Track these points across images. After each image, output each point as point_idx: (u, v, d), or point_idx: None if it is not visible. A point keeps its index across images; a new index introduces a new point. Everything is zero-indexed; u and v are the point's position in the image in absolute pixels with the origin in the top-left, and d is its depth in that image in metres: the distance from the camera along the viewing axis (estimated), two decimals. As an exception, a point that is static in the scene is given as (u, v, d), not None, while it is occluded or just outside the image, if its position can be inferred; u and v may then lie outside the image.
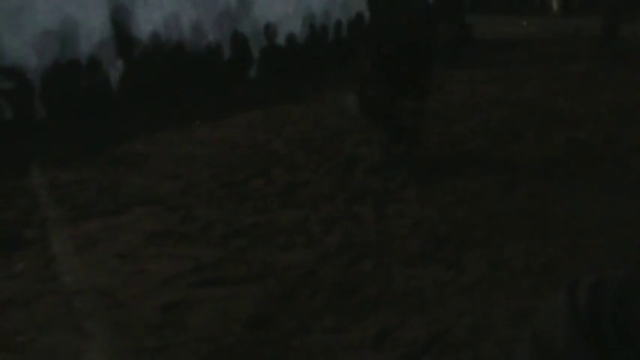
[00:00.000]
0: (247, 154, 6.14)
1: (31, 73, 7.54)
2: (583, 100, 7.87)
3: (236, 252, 4.09)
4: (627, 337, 0.60)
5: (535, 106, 7.65)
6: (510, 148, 6.12)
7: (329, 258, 3.97)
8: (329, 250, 4.08)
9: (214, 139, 6.70)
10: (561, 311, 0.65)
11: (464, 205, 4.74)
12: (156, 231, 4.46)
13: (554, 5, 22.98)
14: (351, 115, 6.03)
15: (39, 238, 4.42)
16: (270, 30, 10.12)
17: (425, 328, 3.16)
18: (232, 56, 9.58)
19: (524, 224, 4.38)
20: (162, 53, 8.80)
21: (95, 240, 4.36)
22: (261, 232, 4.38)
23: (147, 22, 8.64)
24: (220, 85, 8.94)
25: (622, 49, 11.58)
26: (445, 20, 13.70)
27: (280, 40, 10.34)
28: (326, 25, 11.23)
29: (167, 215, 4.73)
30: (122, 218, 4.72)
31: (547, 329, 0.65)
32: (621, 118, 7.02)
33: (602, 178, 5.19)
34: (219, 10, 9.45)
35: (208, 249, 4.15)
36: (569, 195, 4.91)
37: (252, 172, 5.56)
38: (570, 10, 22.55)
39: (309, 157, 5.98)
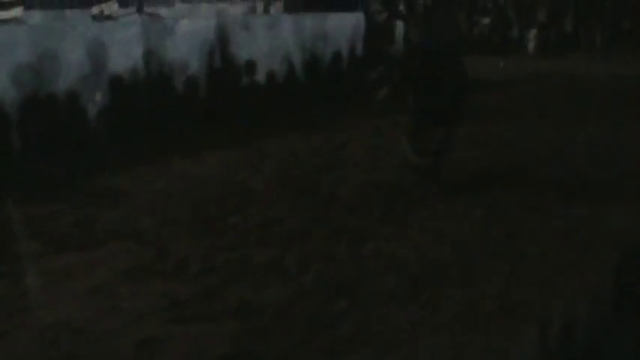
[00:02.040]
0: (224, 191, 6.13)
1: (9, 106, 7.52)
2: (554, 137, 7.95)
3: (211, 289, 4.07)
4: None
5: (510, 145, 7.71)
6: (487, 186, 6.14)
7: (304, 296, 3.96)
8: (304, 287, 4.07)
9: (192, 175, 6.69)
10: (534, 351, 0.66)
11: (440, 244, 4.75)
12: (131, 266, 4.43)
13: (530, 45, 23.28)
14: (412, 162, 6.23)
15: (12, 271, 4.38)
16: (249, 66, 10.16)
17: (399, 367, 3.16)
18: (211, 92, 9.59)
19: (500, 263, 4.39)
20: (141, 88, 8.80)
21: (69, 274, 4.32)
22: (236, 269, 4.37)
23: (126, 56, 8.65)
24: (199, 120, 8.95)
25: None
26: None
27: (260, 76, 10.37)
28: (307, 61, 11.29)
29: (142, 251, 4.70)
30: (97, 253, 4.69)
31: None
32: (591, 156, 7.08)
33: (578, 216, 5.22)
34: (199, 46, 9.48)
35: (183, 285, 4.13)
36: (545, 232, 4.94)
37: (229, 209, 5.56)
38: (547, 50, 22.85)
39: (286, 195, 5.98)
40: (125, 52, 8.67)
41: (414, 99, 6.18)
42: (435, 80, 6.06)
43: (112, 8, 9.57)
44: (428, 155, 6.15)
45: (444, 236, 4.91)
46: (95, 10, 9.46)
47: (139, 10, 10.52)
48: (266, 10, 14.37)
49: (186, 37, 9.40)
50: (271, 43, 10.56)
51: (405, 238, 4.88)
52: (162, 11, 12.44)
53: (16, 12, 8.69)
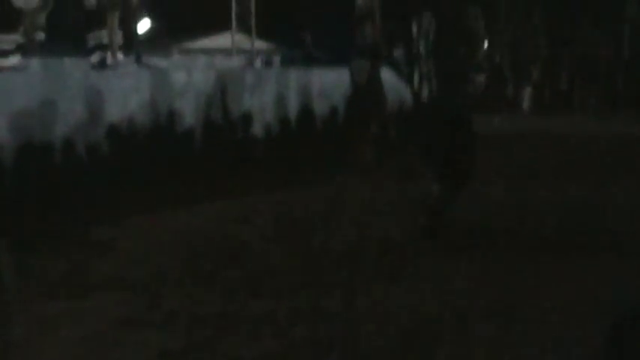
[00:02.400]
0: (216, 243, 6.13)
1: (4, 151, 7.53)
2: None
3: (202, 341, 4.04)
4: None
5: (504, 204, 7.73)
6: (481, 244, 6.14)
7: (295, 350, 3.92)
8: (295, 341, 4.04)
9: (184, 227, 6.70)
10: None
11: (433, 301, 4.72)
12: (121, 317, 4.39)
13: (525, 103, 23.48)
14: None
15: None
16: (244, 120, 10.21)
17: None
18: (207, 144, 9.63)
19: (492, 322, 4.36)
20: (137, 138, 8.83)
21: (58, 324, 4.28)
22: (227, 321, 4.34)
23: (123, 106, 8.70)
24: (194, 172, 8.96)
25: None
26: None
27: (256, 130, 10.42)
28: (302, 116, 11.35)
29: (133, 301, 4.68)
30: (87, 302, 4.66)
31: None
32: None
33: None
34: (195, 99, 9.54)
35: (174, 337, 4.09)
36: (540, 290, 4.93)
37: (221, 261, 5.54)
38: (542, 109, 23.06)
39: (280, 248, 5.98)
40: (122, 101, 8.72)
41: (424, 158, 6.30)
42: (449, 140, 6.04)
43: (113, 58, 9.64)
44: (431, 213, 6.17)
45: (437, 293, 4.89)
46: (94, 58, 9.52)
47: (138, 61, 10.59)
48: (266, 64, 14.51)
49: (183, 89, 9.47)
50: (266, 97, 10.64)
51: (398, 295, 4.86)
52: (160, 62, 12.53)
53: (15, 60, 8.73)
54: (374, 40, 10.58)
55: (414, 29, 6.06)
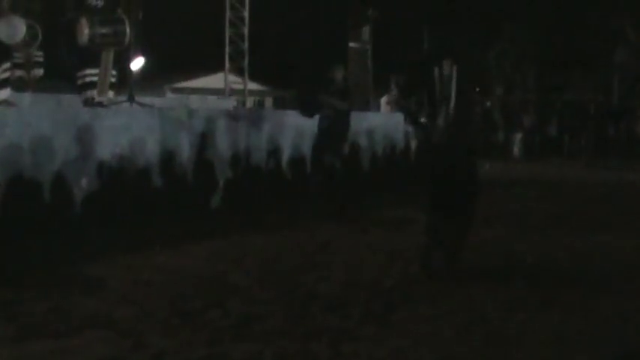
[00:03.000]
0: (205, 284, 6.10)
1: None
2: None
3: (186, 384, 4.00)
4: None
5: (494, 248, 7.73)
6: (469, 290, 6.13)
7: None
8: (281, 387, 4.01)
9: (173, 267, 6.67)
10: None
11: (419, 347, 4.70)
12: (105, 357, 4.37)
13: (515, 150, 23.64)
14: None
15: (-17, 357, 4.31)
16: (235, 160, 10.23)
17: None
18: (198, 183, 9.62)
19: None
20: (127, 176, 8.83)
21: (43, 362, 4.26)
22: (214, 364, 4.31)
23: (113, 144, 8.70)
24: (184, 211, 8.95)
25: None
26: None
27: (247, 170, 10.44)
28: (295, 157, 11.39)
29: (118, 341, 4.64)
30: (72, 341, 4.62)
31: None
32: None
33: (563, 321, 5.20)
34: (185, 137, 9.56)
35: (158, 379, 4.06)
36: (527, 337, 4.91)
37: (209, 303, 5.51)
38: (532, 155, 23.20)
39: (267, 291, 5.95)
40: (114, 139, 8.72)
41: (434, 200, 6.54)
42: (456, 181, 6.45)
43: (105, 96, 9.67)
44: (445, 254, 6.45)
45: (424, 339, 4.87)
46: (84, 97, 9.54)
47: (130, 99, 10.63)
48: (259, 105, 14.58)
49: (175, 127, 9.49)
50: (257, 138, 10.68)
51: (385, 340, 4.84)
52: (153, 101, 12.57)
53: (5, 94, 8.77)
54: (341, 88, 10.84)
55: (436, 77, 6.31)
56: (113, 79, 9.79)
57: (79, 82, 9.55)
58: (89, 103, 9.48)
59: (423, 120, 11.04)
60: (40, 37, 8.83)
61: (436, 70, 6.44)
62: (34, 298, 5.48)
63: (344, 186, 10.39)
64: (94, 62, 9.48)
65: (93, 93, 9.51)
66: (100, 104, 9.58)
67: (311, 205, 9.98)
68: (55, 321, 5.00)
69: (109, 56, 9.57)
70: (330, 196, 10.06)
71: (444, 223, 6.44)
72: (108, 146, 8.66)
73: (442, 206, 6.46)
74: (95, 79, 9.52)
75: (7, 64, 8.90)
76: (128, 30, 9.49)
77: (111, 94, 9.77)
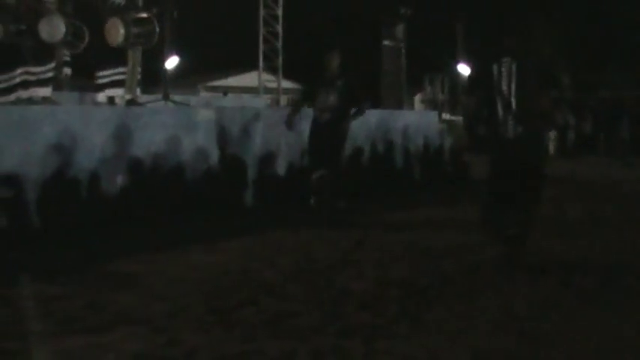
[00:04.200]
0: (238, 282, 6.12)
1: (31, 184, 7.61)
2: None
3: (220, 380, 4.01)
4: None
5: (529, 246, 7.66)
6: (504, 287, 6.09)
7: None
8: (315, 384, 4.01)
9: (206, 264, 6.70)
10: None
11: (452, 345, 4.68)
12: (139, 352, 4.39)
13: (550, 147, 23.41)
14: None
15: (19, 351, 4.35)
16: (268, 158, 10.22)
17: None
18: (230, 182, 9.64)
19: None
20: (162, 174, 8.88)
21: (76, 357, 4.30)
22: (247, 361, 4.32)
23: (149, 142, 8.76)
24: (217, 209, 8.99)
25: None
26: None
27: (280, 168, 10.44)
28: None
29: (152, 337, 4.66)
30: (106, 337, 4.66)
31: None
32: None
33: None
34: (220, 136, 9.59)
35: (192, 375, 4.08)
36: (562, 336, 4.87)
37: (242, 300, 5.52)
38: (566, 153, 22.98)
39: (300, 288, 5.95)
40: (149, 137, 8.78)
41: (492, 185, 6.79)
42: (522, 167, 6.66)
43: (136, 94, 9.75)
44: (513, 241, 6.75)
45: (457, 337, 4.84)
46: (111, 92, 9.61)
47: (165, 98, 10.71)
48: (291, 104, 14.56)
49: (208, 126, 9.53)
50: (291, 135, 10.65)
51: (419, 338, 4.82)
52: (188, 99, 12.66)
53: (47, 91, 8.88)
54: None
55: (495, 73, 6.63)
56: (139, 77, 9.88)
57: (101, 81, 9.61)
58: (113, 101, 9.56)
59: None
60: (87, 37, 8.90)
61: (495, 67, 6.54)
62: (71, 294, 5.53)
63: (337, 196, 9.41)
64: (116, 61, 9.55)
65: (116, 91, 9.57)
66: (134, 102, 9.66)
67: (349, 203, 9.96)
68: (90, 316, 5.05)
69: (136, 55, 9.65)
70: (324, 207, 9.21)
71: (508, 216, 6.71)
72: (143, 144, 8.72)
73: (507, 198, 6.68)
74: (118, 77, 9.58)
75: (52, 63, 9.01)
76: (157, 30, 9.58)
77: (138, 91, 9.84)
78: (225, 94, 26.49)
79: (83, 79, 11.09)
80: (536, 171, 6.79)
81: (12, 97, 8.61)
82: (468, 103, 11.12)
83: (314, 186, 9.22)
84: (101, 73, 9.55)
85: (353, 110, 9.37)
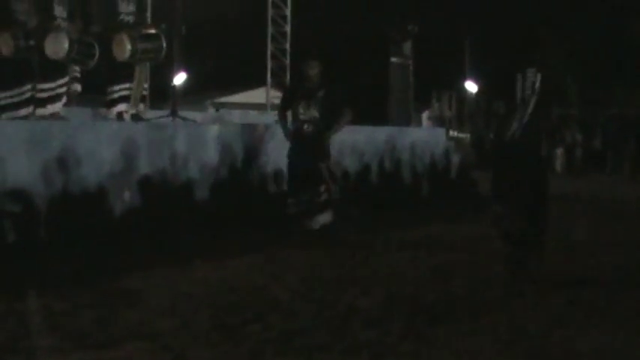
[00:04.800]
0: (246, 298, 6.11)
1: (39, 198, 7.62)
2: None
3: (226, 397, 4.00)
4: None
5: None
6: (512, 304, 6.07)
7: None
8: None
9: (213, 280, 6.69)
10: None
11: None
12: (147, 369, 4.40)
13: (557, 164, 23.40)
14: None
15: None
16: (276, 175, 10.20)
17: None
18: (238, 198, 9.63)
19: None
20: (169, 191, 8.89)
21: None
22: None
23: (157, 158, 8.78)
24: (224, 226, 8.97)
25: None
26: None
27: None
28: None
29: (159, 353, 4.67)
30: (113, 352, 4.66)
31: None
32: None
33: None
34: (229, 154, 9.59)
35: (199, 392, 4.07)
36: (571, 353, 4.84)
37: (249, 317, 5.51)
38: (574, 170, 22.95)
39: (308, 306, 5.94)
40: (157, 152, 8.80)
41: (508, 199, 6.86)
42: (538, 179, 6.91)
43: (140, 108, 9.77)
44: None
45: (465, 355, 4.83)
46: (119, 108, 9.64)
47: (173, 114, 10.74)
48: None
49: (216, 143, 9.54)
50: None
51: (425, 356, 4.81)
52: (195, 116, 12.69)
53: (56, 107, 8.92)
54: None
55: (519, 83, 6.84)
56: (144, 92, 9.91)
57: (110, 97, 9.64)
58: (121, 116, 9.59)
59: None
60: (97, 54, 8.94)
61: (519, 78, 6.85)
62: (78, 309, 5.53)
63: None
64: (125, 77, 9.59)
65: (123, 107, 9.61)
66: (138, 117, 9.69)
67: (353, 219, 9.94)
68: (97, 332, 5.05)
69: (142, 70, 9.69)
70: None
71: (522, 225, 6.79)
72: (151, 160, 8.74)
73: (520, 207, 6.81)
74: (125, 93, 9.62)
75: (63, 80, 9.05)
76: (164, 45, 9.63)
77: (141, 106, 9.87)
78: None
79: (94, 95, 11.14)
80: (542, 181, 6.97)
81: (21, 112, 8.63)
82: (475, 120, 11.12)
83: (295, 209, 8.82)
84: (111, 89, 9.58)
85: (334, 124, 8.74)
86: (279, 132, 9.30)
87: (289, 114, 8.93)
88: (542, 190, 6.94)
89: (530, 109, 6.80)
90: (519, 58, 7.02)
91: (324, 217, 8.68)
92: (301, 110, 8.63)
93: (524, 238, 6.80)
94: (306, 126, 8.64)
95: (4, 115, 8.58)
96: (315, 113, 8.61)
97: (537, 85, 6.82)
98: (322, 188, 8.68)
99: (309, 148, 8.62)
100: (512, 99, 6.86)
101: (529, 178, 6.84)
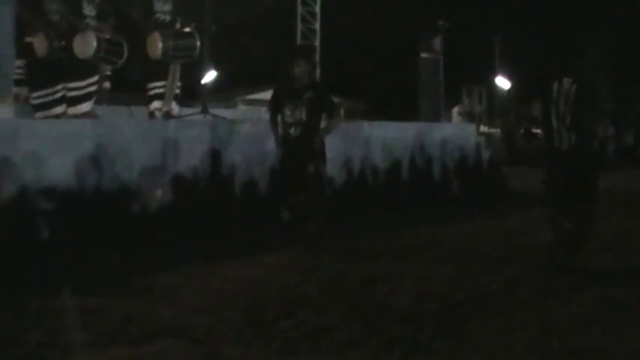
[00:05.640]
0: (277, 295, 6.13)
1: (72, 196, 7.70)
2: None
3: (259, 393, 4.03)
4: None
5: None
6: (544, 301, 6.04)
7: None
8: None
9: (245, 277, 6.72)
10: None
11: (492, 360, 4.66)
12: (180, 365, 4.43)
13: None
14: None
15: (64, 361, 4.42)
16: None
17: None
18: (268, 195, 9.64)
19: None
20: (202, 187, 8.94)
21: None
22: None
23: (189, 156, 8.83)
24: (255, 222, 9.00)
25: None
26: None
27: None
28: (366, 168, 11.32)
29: (192, 349, 4.70)
30: (147, 349, 4.70)
31: None
32: None
33: None
34: (261, 151, 9.60)
35: (232, 388, 4.10)
36: (603, 351, 4.82)
37: (281, 313, 5.53)
38: (605, 165, 22.70)
39: (339, 302, 5.95)
40: (188, 150, 8.85)
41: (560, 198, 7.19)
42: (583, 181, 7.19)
43: (172, 106, 9.82)
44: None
45: (496, 352, 4.81)
46: (153, 106, 9.71)
47: (204, 111, 10.79)
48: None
49: (247, 139, 9.57)
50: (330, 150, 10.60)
51: (457, 353, 4.80)
52: (225, 112, 12.73)
53: (87, 107, 8.99)
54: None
55: (555, 90, 7.08)
56: (178, 91, 9.96)
57: (147, 94, 9.75)
58: (154, 114, 9.66)
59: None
60: (126, 53, 9.00)
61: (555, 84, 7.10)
62: (111, 307, 5.59)
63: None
64: (161, 75, 9.67)
65: (157, 104, 9.68)
66: (169, 115, 9.74)
67: (384, 215, 9.94)
68: (130, 328, 5.09)
69: (176, 68, 9.74)
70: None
71: (568, 220, 7.10)
72: (182, 157, 8.79)
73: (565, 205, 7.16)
74: (160, 91, 9.70)
75: (92, 79, 9.12)
76: (198, 44, 9.67)
77: (174, 104, 9.92)
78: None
79: (126, 93, 11.22)
80: (590, 182, 7.24)
81: (54, 111, 8.72)
82: (507, 116, 11.16)
83: (291, 212, 8.42)
84: (147, 87, 9.70)
85: (324, 126, 8.21)
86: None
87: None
88: (593, 189, 7.23)
89: (569, 113, 7.03)
90: (555, 66, 7.33)
91: (313, 224, 8.11)
92: (288, 112, 8.06)
93: (572, 232, 7.11)
94: (292, 129, 8.06)
95: (37, 114, 8.68)
96: (302, 115, 8.01)
97: (573, 94, 7.03)
98: (310, 194, 8.12)
99: (297, 152, 8.06)
100: (548, 102, 7.11)
101: (581, 178, 7.15)
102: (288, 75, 8.17)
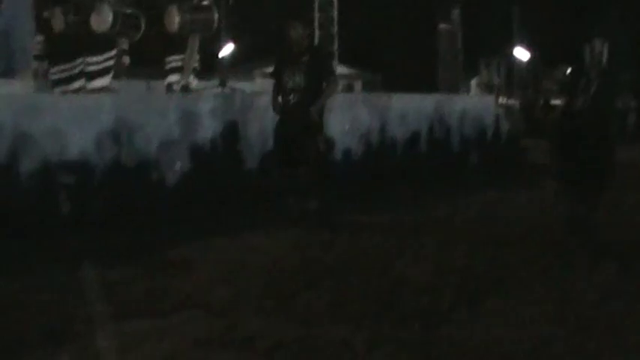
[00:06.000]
0: (296, 266, 6.16)
1: (92, 170, 7.74)
2: None
3: (280, 365, 4.06)
4: None
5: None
6: (564, 274, 6.03)
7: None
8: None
9: (265, 249, 6.75)
10: None
11: (511, 332, 4.66)
12: (201, 336, 4.46)
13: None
14: None
15: (85, 334, 4.47)
16: (327, 143, 10.16)
17: None
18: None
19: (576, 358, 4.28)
20: (220, 161, 8.95)
21: (140, 340, 4.38)
22: (305, 346, 4.35)
23: (207, 129, 8.83)
24: (274, 195, 9.00)
25: None
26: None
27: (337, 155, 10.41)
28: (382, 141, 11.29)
29: (213, 321, 4.74)
30: (168, 321, 4.75)
31: None
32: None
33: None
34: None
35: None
36: (622, 323, 4.82)
37: (302, 286, 5.56)
38: (625, 135, 22.52)
39: (360, 274, 5.96)
40: (206, 123, 8.86)
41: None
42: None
43: (190, 80, 9.81)
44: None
45: (516, 324, 4.82)
46: (170, 79, 9.71)
47: (222, 84, 10.79)
48: (348, 89, 14.50)
49: (266, 112, 9.56)
50: (346, 121, 10.58)
51: (476, 325, 4.81)
52: (244, 85, 12.73)
53: (105, 81, 9.00)
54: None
55: (587, 53, 6.98)
56: (196, 64, 9.95)
57: (164, 67, 9.74)
58: (171, 88, 9.66)
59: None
60: (143, 26, 8.98)
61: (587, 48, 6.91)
62: (131, 280, 5.64)
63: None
64: (179, 48, 9.65)
65: (175, 78, 9.68)
66: (187, 89, 9.75)
67: (402, 188, 9.91)
68: (151, 301, 5.14)
69: (194, 42, 9.72)
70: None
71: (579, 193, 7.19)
72: (201, 130, 8.80)
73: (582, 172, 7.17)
74: (178, 64, 9.69)
75: (110, 53, 9.12)
76: (216, 17, 9.65)
77: (192, 78, 9.91)
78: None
79: (144, 68, 11.22)
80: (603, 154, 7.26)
81: (73, 86, 8.75)
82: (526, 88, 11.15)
83: (285, 185, 8.20)
84: (165, 60, 9.70)
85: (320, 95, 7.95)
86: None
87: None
88: (608, 157, 7.34)
89: (598, 80, 6.93)
90: (586, 27, 7.18)
91: (311, 202, 7.99)
92: (286, 78, 7.87)
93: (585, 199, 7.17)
94: (292, 96, 7.87)
95: (56, 89, 8.71)
96: (300, 81, 7.82)
97: (605, 55, 6.87)
98: (307, 168, 7.96)
99: (295, 121, 7.87)
100: (578, 67, 7.07)
101: (596, 145, 7.16)
102: (285, 40, 8.04)
